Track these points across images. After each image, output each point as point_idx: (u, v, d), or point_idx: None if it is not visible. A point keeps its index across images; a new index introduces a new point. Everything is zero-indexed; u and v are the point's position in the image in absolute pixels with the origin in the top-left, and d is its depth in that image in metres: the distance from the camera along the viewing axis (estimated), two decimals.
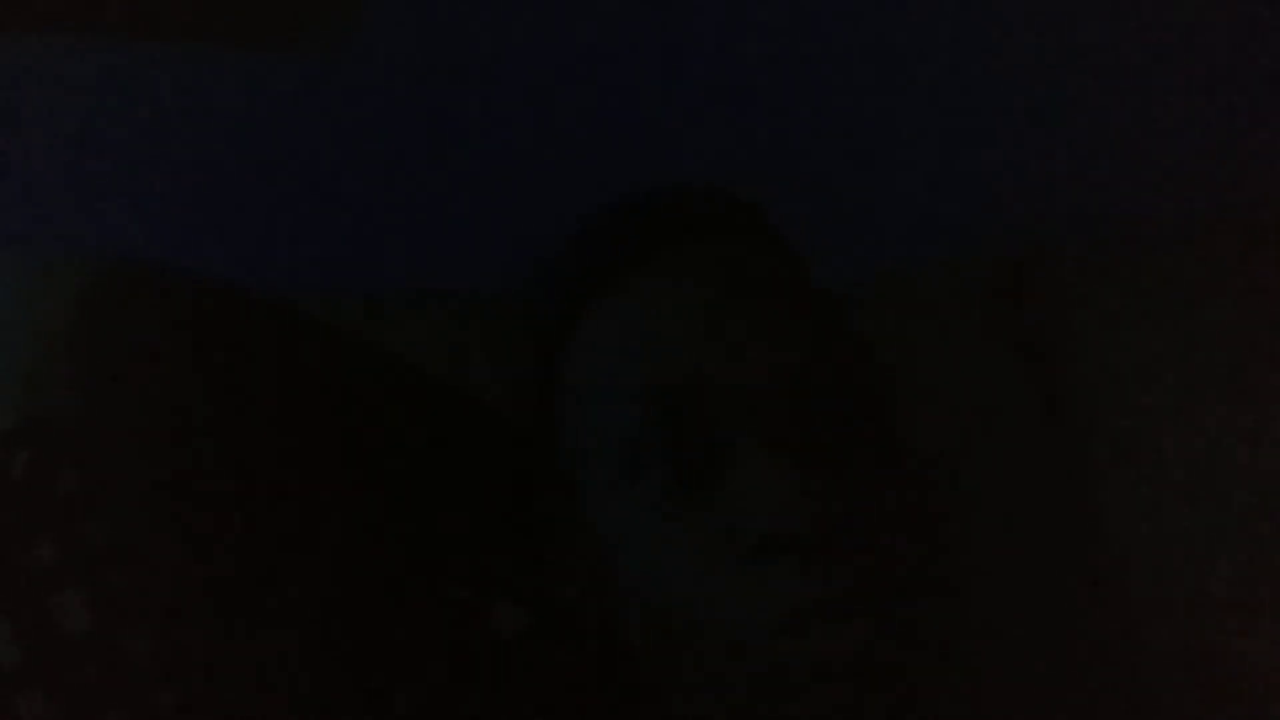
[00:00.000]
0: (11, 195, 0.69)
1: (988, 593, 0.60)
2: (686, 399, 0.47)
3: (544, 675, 0.53)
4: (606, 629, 0.51)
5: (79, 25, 0.64)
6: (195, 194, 0.70)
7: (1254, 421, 0.62)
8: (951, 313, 0.69)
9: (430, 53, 0.67)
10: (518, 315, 0.55)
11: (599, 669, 0.51)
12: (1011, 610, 0.60)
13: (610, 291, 0.50)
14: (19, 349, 0.54)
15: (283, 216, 0.71)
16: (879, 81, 0.69)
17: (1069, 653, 0.59)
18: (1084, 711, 0.56)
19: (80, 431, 0.51)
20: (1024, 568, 0.62)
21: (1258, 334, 0.64)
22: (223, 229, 0.71)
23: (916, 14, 0.66)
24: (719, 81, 0.68)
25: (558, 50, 0.67)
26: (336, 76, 0.67)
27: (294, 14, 0.65)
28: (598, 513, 0.49)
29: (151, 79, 0.66)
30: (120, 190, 0.69)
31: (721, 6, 0.64)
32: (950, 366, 0.66)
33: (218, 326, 0.55)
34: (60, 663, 0.47)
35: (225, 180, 0.70)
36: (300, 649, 0.49)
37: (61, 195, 0.69)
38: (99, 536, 0.49)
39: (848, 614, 0.43)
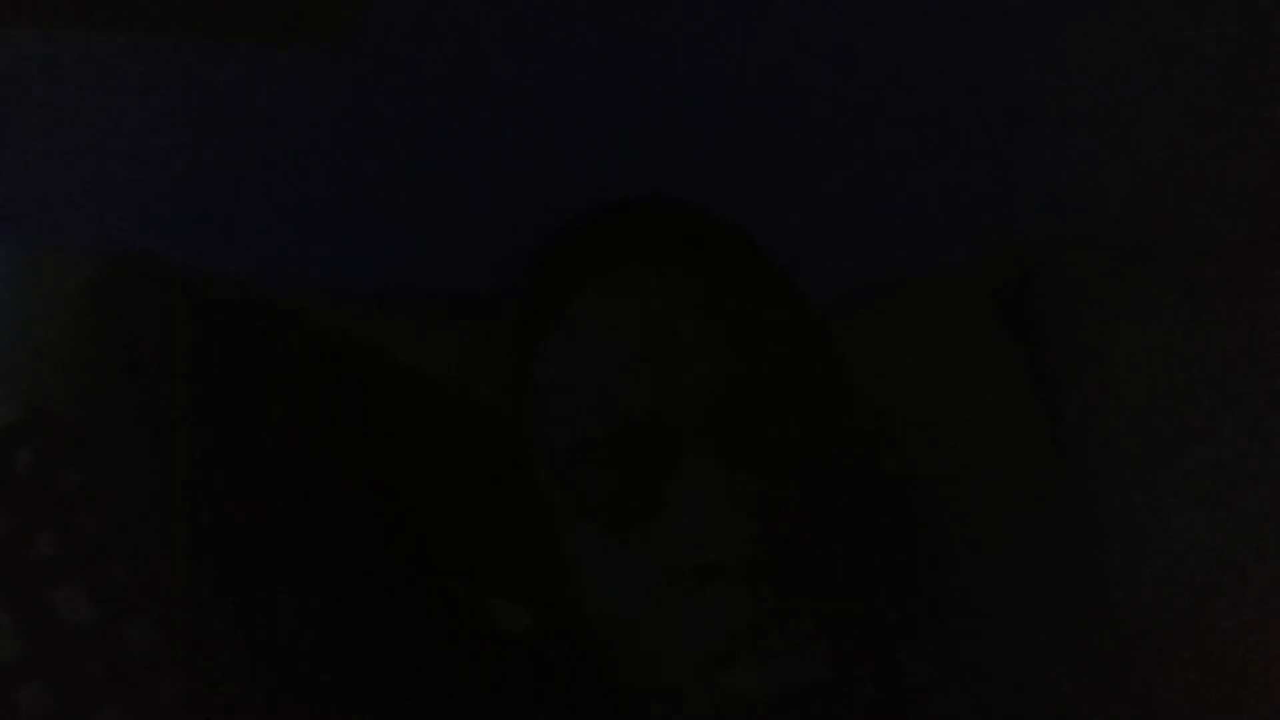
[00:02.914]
0: (12, 190, 0.69)
1: (988, 597, 0.60)
2: (624, 441, 0.47)
3: (548, 672, 0.53)
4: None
5: (80, 20, 0.64)
6: (195, 190, 0.70)
7: (1256, 425, 0.62)
8: (951, 313, 0.69)
9: (432, 51, 0.67)
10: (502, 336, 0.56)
11: (602, 666, 0.52)
12: (1012, 615, 0.60)
13: (554, 325, 0.50)
14: (21, 344, 0.54)
15: (282, 214, 0.71)
16: (880, 86, 0.69)
17: (1070, 655, 0.59)
18: (1088, 713, 0.56)
19: (82, 427, 0.51)
20: (1025, 572, 0.62)
21: (1259, 338, 0.64)
22: (221, 226, 0.71)
23: (917, 17, 0.66)
24: (720, 84, 0.68)
25: (560, 51, 0.66)
26: (337, 74, 0.67)
27: (296, 11, 0.65)
28: (562, 537, 0.50)
29: (151, 74, 0.66)
30: (120, 186, 0.69)
31: (723, 9, 0.65)
32: (951, 372, 0.66)
33: (217, 322, 0.55)
34: (62, 656, 0.47)
35: (225, 176, 0.70)
36: (300, 643, 0.49)
37: (62, 190, 0.69)
38: (100, 531, 0.50)
39: (801, 634, 0.43)
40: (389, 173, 0.70)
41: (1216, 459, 0.62)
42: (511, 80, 0.67)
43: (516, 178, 0.71)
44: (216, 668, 0.48)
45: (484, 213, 0.72)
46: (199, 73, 0.66)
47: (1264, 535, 0.60)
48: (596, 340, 0.49)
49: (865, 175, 0.72)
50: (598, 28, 0.65)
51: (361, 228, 0.72)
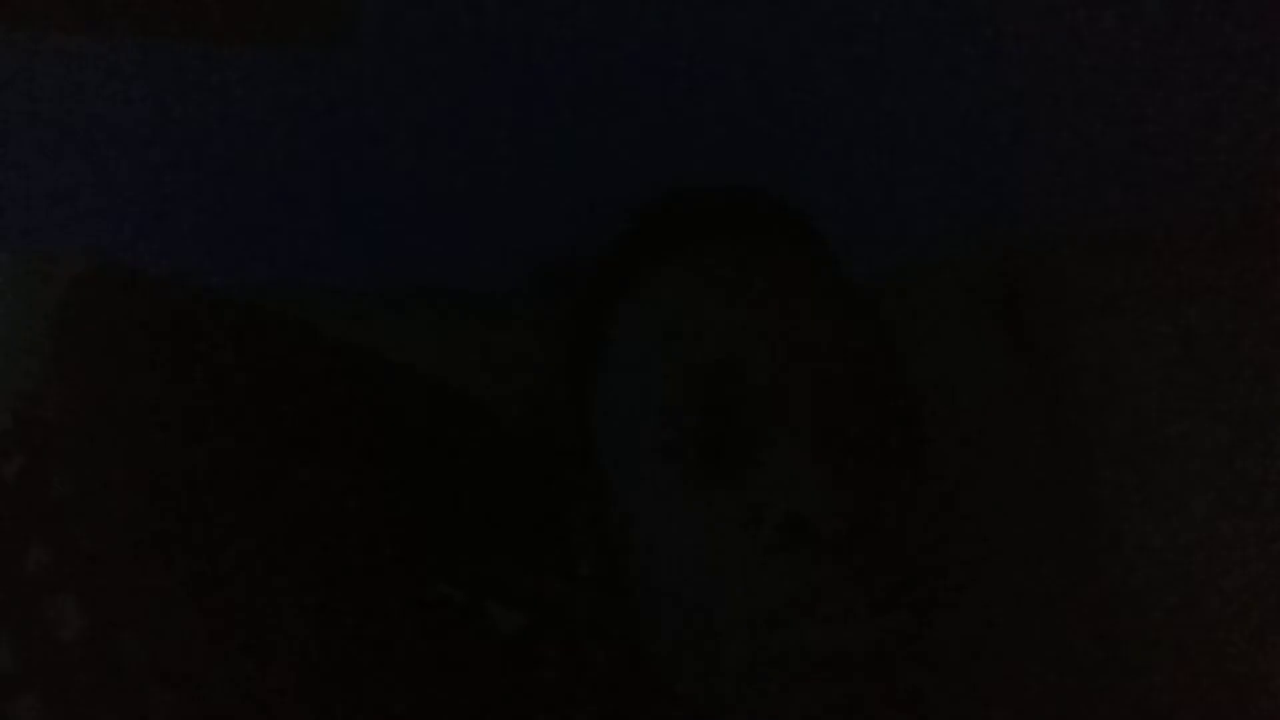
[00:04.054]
0: (5, 193, 0.69)
1: (989, 593, 0.60)
2: (723, 380, 0.47)
3: (542, 675, 0.53)
4: (610, 624, 0.51)
5: (73, 22, 0.63)
6: (191, 191, 0.70)
7: (1256, 421, 0.62)
8: (951, 313, 0.69)
9: (429, 49, 0.66)
10: (544, 314, 0.56)
11: (599, 667, 0.51)
12: (1013, 611, 0.60)
13: (647, 283, 0.51)
14: (6, 349, 0.54)
15: (282, 215, 0.71)
16: (876, 83, 0.69)
17: (1072, 653, 0.59)
18: (1088, 713, 0.56)
19: (71, 436, 0.51)
20: (1025, 568, 0.62)
21: (1258, 333, 0.64)
22: (218, 226, 0.71)
23: (913, 14, 0.65)
24: (716, 85, 0.68)
25: (560, 47, 0.66)
26: (336, 72, 0.67)
27: (293, 9, 0.64)
28: (629, 493, 0.50)
29: (146, 76, 0.66)
30: (116, 188, 0.69)
31: (718, 7, 0.64)
32: (950, 367, 0.66)
33: (200, 329, 0.55)
34: (55, 667, 0.47)
35: (220, 177, 0.70)
36: (294, 651, 0.49)
37: (56, 193, 0.69)
38: (91, 541, 0.50)
39: (857, 607, 0.43)
40: (386, 172, 0.70)
41: (1216, 454, 0.62)
42: (511, 77, 0.67)
43: (516, 176, 0.70)
44: (208, 679, 0.48)
45: (483, 212, 0.72)
46: (194, 73, 0.66)
47: (1264, 530, 0.60)
48: (701, 287, 0.50)
49: (861, 172, 0.71)
50: (598, 24, 0.65)
51: (359, 228, 0.72)
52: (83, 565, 0.49)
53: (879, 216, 0.70)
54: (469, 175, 0.70)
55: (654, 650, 0.48)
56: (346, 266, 0.72)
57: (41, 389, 0.53)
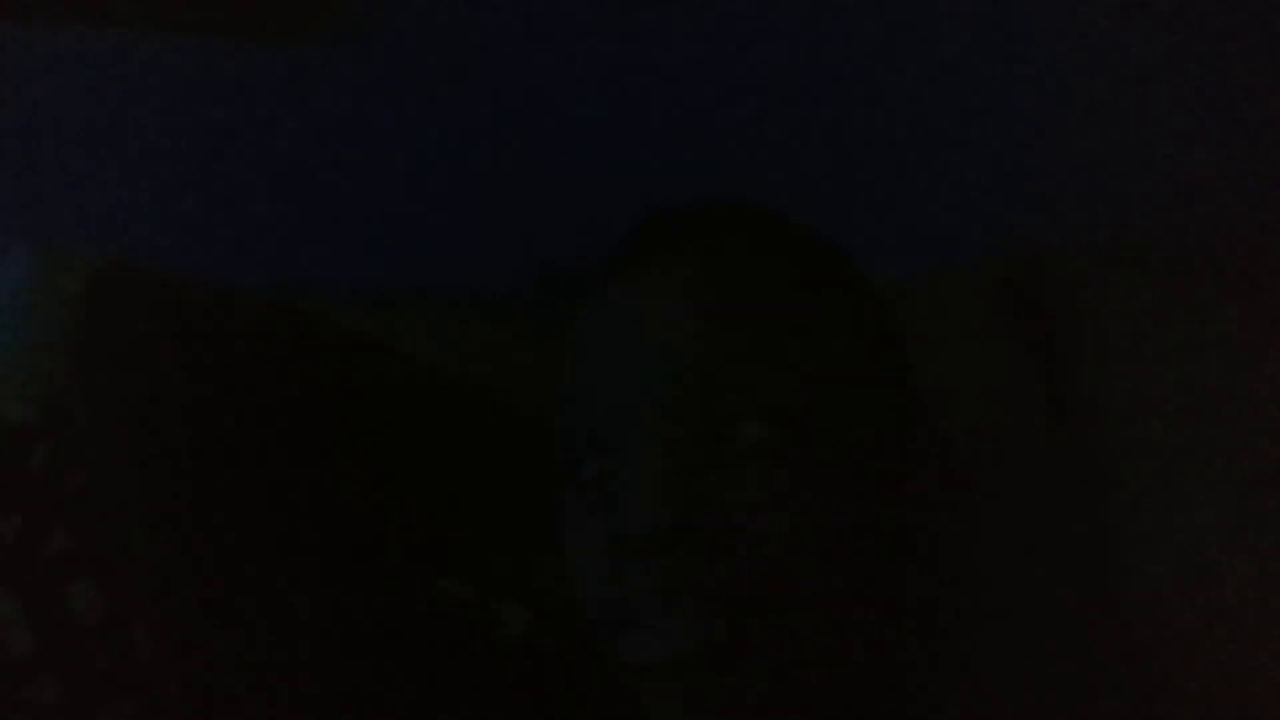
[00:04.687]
0: (18, 187, 0.70)
1: (994, 595, 0.60)
2: (587, 404, 0.49)
3: (549, 672, 0.53)
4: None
5: (86, 15, 0.64)
6: (205, 187, 0.70)
7: (1269, 423, 0.61)
8: (964, 319, 0.68)
9: (443, 46, 0.67)
10: (547, 315, 0.57)
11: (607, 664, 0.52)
12: (1018, 612, 0.60)
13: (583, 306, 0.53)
14: (31, 341, 0.55)
15: (292, 211, 0.72)
16: (890, 89, 0.69)
17: (1075, 654, 0.59)
18: (1089, 712, 0.56)
19: (92, 427, 0.52)
20: (1032, 571, 0.62)
21: (1269, 339, 0.63)
22: (232, 224, 0.72)
23: (926, 17, 0.65)
24: (729, 87, 0.68)
25: (573, 47, 0.66)
26: (348, 70, 0.67)
27: (306, 7, 0.65)
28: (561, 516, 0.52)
29: (158, 70, 0.66)
30: (125, 183, 0.70)
31: (734, 13, 0.64)
32: (963, 372, 0.66)
33: (216, 325, 0.56)
34: (72, 651, 0.48)
35: (234, 173, 0.70)
36: (300, 643, 0.50)
37: (72, 189, 0.70)
38: (111, 528, 0.51)
39: (672, 618, 0.44)
40: (391, 171, 0.70)
41: (1228, 456, 0.61)
42: (525, 76, 0.67)
43: (529, 175, 0.71)
44: (221, 669, 0.49)
45: (496, 210, 0.72)
46: (208, 69, 0.66)
47: (1267, 531, 0.59)
48: (595, 321, 0.51)
49: (875, 175, 0.71)
50: (611, 32, 0.65)
51: (373, 226, 0.72)
52: (103, 551, 0.50)
53: (893, 224, 0.70)
54: (474, 175, 0.70)
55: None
56: (358, 265, 0.73)
57: (64, 382, 0.54)
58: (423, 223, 0.72)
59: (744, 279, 0.49)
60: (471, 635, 0.53)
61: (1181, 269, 0.67)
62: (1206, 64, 0.66)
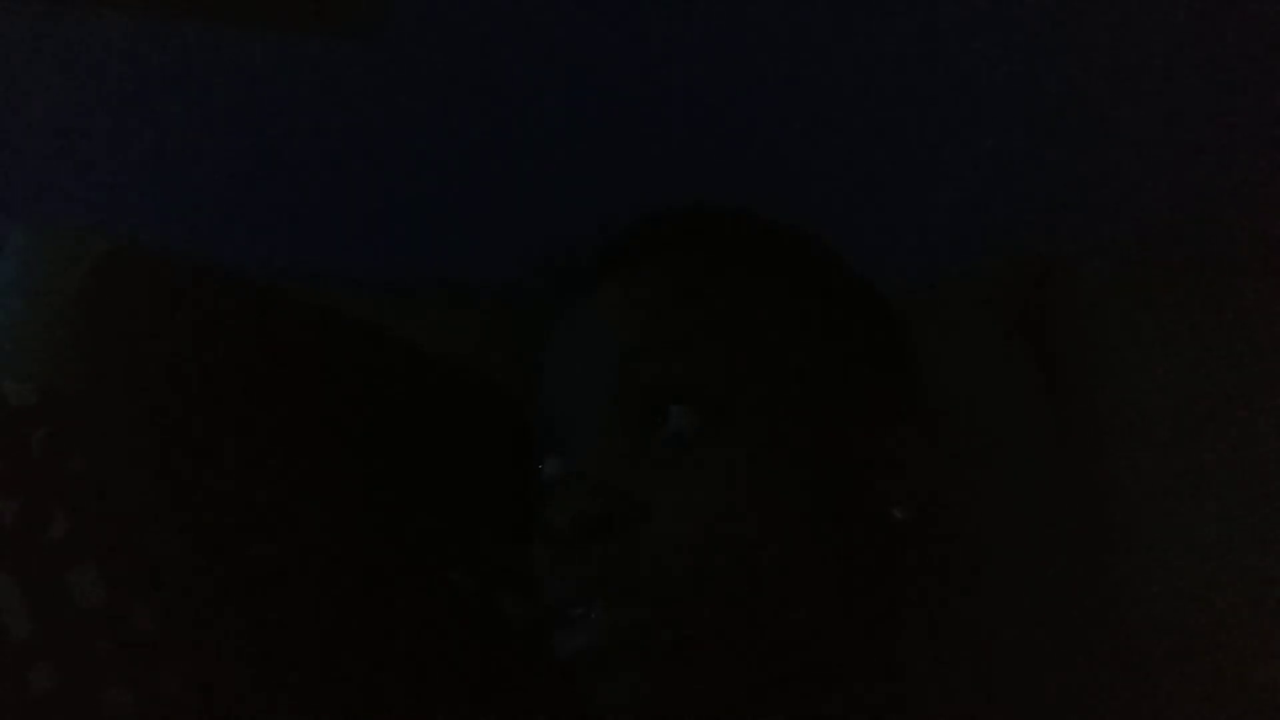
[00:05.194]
0: (23, 175, 0.69)
1: (995, 596, 0.61)
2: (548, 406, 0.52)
3: (555, 664, 0.53)
4: None
5: (94, 2, 0.64)
6: (214, 178, 0.70)
7: (1270, 429, 0.62)
8: (971, 326, 0.69)
9: (455, 42, 0.67)
10: (547, 309, 0.57)
11: None
12: (1018, 614, 0.61)
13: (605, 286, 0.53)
14: (33, 323, 0.54)
15: (292, 204, 0.72)
16: (898, 94, 0.69)
17: (1073, 656, 0.59)
18: (1087, 714, 0.56)
19: (87, 415, 0.52)
20: (1032, 574, 0.62)
21: (1270, 344, 0.64)
22: (241, 215, 0.71)
23: (929, 24, 0.66)
24: (733, 91, 0.68)
25: (583, 44, 0.66)
26: (360, 63, 0.67)
27: (315, 0, 0.65)
28: None
29: (171, 59, 0.66)
30: (139, 172, 0.70)
31: (739, 18, 0.65)
32: (969, 377, 0.66)
33: (219, 310, 0.56)
34: (72, 636, 0.48)
35: (244, 165, 0.70)
36: (304, 633, 0.50)
37: (79, 177, 0.69)
38: (112, 513, 0.50)
39: (606, 602, 0.45)
40: (403, 162, 0.70)
41: (1230, 462, 0.62)
42: (535, 71, 0.67)
43: (531, 170, 0.71)
44: (220, 655, 0.49)
45: (497, 204, 0.72)
46: (220, 60, 0.66)
47: (1277, 539, 0.60)
48: (560, 328, 0.53)
49: (879, 183, 0.72)
50: (619, 35, 0.65)
51: (382, 219, 0.72)
52: (104, 536, 0.50)
53: (900, 230, 0.70)
54: (476, 169, 0.70)
55: None
56: (365, 257, 0.73)
57: (66, 365, 0.53)
58: (425, 215, 0.72)
59: (696, 280, 0.50)
60: (476, 628, 0.53)
61: (1183, 273, 0.68)
62: (1208, 71, 0.66)
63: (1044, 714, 0.56)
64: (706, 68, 0.68)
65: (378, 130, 0.69)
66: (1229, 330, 0.65)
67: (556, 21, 0.66)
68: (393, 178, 0.71)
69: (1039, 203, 0.72)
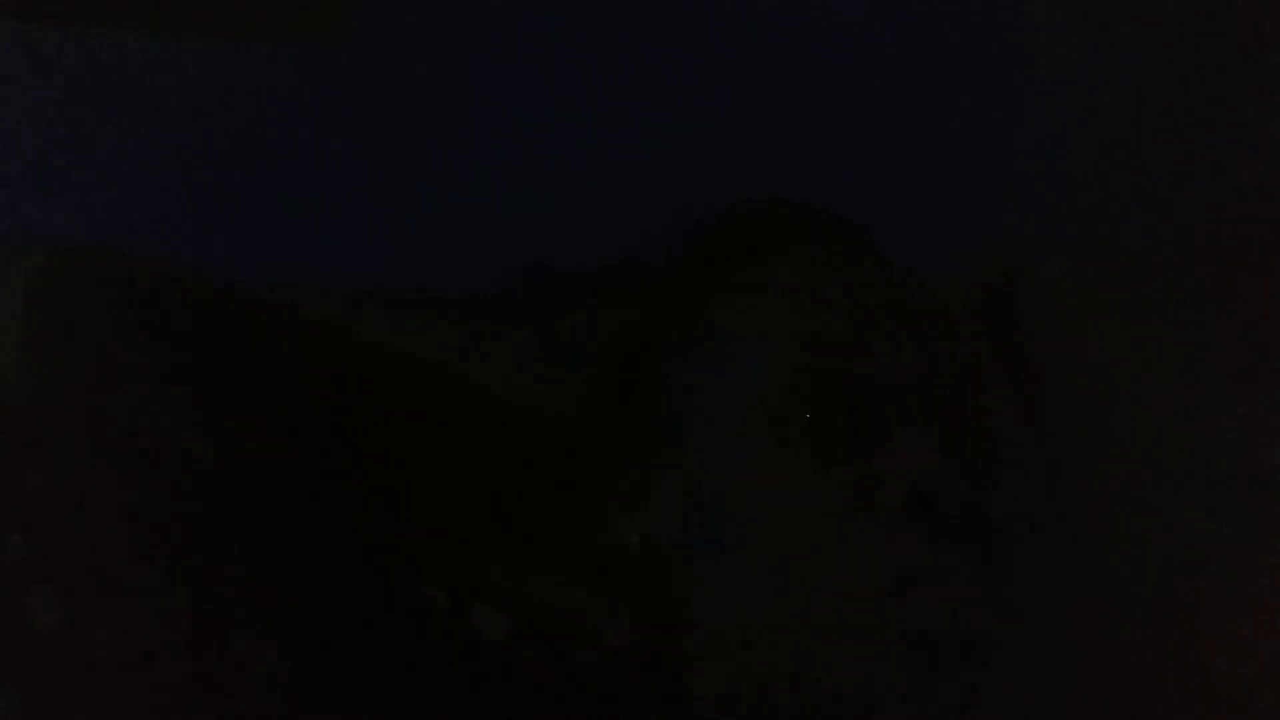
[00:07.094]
0: (8, 186, 0.68)
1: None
2: (830, 374, 0.48)
3: (529, 681, 0.53)
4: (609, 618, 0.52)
5: (73, 14, 0.63)
6: (186, 187, 0.69)
7: (1252, 429, 0.63)
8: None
9: (424, 46, 0.66)
10: (542, 315, 0.56)
11: (588, 672, 0.52)
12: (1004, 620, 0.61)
13: (743, 286, 0.52)
14: None
15: (279, 211, 0.71)
16: (868, 92, 0.69)
17: (1067, 654, 0.60)
18: (1082, 709, 0.57)
19: (45, 424, 0.50)
20: (1017, 579, 0.62)
21: (1253, 342, 0.64)
22: (213, 223, 0.70)
23: (905, 24, 0.66)
24: (711, 92, 0.68)
25: (555, 47, 0.66)
26: (329, 70, 0.66)
27: (287, 6, 0.64)
28: (719, 466, 0.50)
29: (143, 69, 0.65)
30: (112, 182, 0.68)
31: (714, 16, 0.64)
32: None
33: (180, 314, 0.54)
34: (32, 661, 0.47)
35: (216, 173, 0.69)
36: (270, 651, 0.49)
37: (52, 186, 0.68)
38: (68, 531, 0.49)
39: (969, 590, 0.45)
40: (386, 170, 0.70)
41: (1211, 463, 0.62)
42: (507, 75, 0.66)
43: (521, 175, 0.70)
44: (186, 677, 0.48)
45: (479, 211, 0.71)
46: (190, 69, 0.65)
47: (1260, 540, 0.60)
48: (800, 289, 0.51)
49: (852, 183, 0.72)
50: (590, 26, 0.65)
51: (353, 226, 0.71)
52: (60, 556, 0.49)
53: (872, 230, 0.70)
54: (464, 175, 0.70)
55: (689, 628, 0.49)
56: (338, 265, 0.72)
57: (17, 377, 0.52)
58: (413, 222, 0.71)
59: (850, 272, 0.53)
60: (446, 645, 0.53)
61: (1160, 273, 0.68)
62: (1194, 68, 0.66)
63: (1025, 712, 0.56)
64: (683, 72, 0.67)
65: (349, 137, 0.69)
66: (1203, 329, 0.65)
67: (536, 24, 0.66)
68: (375, 184, 0.71)
69: (1009, 204, 0.72)
